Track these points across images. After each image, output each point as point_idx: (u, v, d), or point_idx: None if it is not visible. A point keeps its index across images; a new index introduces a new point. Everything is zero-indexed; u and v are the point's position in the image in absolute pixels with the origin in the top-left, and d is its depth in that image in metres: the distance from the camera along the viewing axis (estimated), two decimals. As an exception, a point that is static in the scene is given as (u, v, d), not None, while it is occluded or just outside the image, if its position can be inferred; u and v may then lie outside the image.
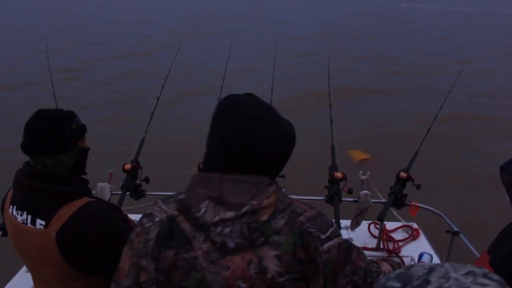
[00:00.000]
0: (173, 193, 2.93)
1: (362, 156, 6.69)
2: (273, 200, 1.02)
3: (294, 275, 1.02)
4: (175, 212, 1.06)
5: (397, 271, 0.81)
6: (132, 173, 2.48)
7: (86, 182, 1.57)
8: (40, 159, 1.45)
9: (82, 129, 1.54)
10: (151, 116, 2.84)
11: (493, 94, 10.69)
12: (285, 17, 23.90)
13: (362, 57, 14.29)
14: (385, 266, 1.32)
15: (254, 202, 0.99)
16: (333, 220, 1.13)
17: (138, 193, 2.53)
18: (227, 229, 0.99)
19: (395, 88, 11.10)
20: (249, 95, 1.10)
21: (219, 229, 0.99)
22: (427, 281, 0.70)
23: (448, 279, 0.69)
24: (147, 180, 2.54)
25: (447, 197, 5.56)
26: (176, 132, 8.04)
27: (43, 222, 1.42)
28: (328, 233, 1.08)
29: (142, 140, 2.71)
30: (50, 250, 1.42)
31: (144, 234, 1.07)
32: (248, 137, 1.02)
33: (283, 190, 2.61)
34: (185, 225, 1.03)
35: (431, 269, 0.73)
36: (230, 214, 0.98)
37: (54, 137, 1.44)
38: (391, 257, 2.64)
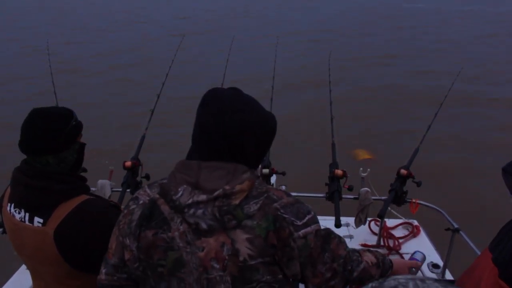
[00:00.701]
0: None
1: (366, 155, 6.70)
2: (246, 186, 1.06)
3: (266, 259, 1.06)
4: (157, 196, 1.13)
5: (370, 285, 0.78)
6: (133, 170, 2.48)
7: (84, 179, 1.57)
8: (42, 158, 1.45)
9: (80, 125, 1.56)
10: (152, 113, 2.84)
11: (494, 90, 10.68)
12: (285, 16, 23.86)
13: (362, 56, 14.27)
14: (367, 256, 1.34)
15: (227, 187, 1.04)
16: (310, 207, 1.15)
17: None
18: (200, 211, 1.04)
19: (395, 85, 11.08)
20: (233, 88, 1.17)
21: (192, 210, 1.04)
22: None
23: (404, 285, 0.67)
24: (147, 177, 2.53)
25: (448, 194, 5.55)
26: (176, 129, 8.04)
27: (41, 220, 1.42)
28: (305, 220, 1.11)
29: (143, 137, 2.71)
30: (48, 248, 1.42)
31: (129, 215, 1.15)
32: (227, 127, 1.08)
33: (283, 187, 2.61)
34: (165, 208, 1.10)
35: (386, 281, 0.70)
36: (203, 197, 1.04)
37: (57, 135, 1.44)
38: (391, 254, 2.64)
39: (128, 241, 1.13)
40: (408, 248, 2.69)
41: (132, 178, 2.48)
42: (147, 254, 1.10)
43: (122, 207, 2.28)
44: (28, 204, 1.44)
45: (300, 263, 1.11)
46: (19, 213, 1.45)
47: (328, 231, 1.18)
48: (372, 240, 2.74)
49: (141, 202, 1.15)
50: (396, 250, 2.66)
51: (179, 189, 1.06)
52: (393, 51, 14.95)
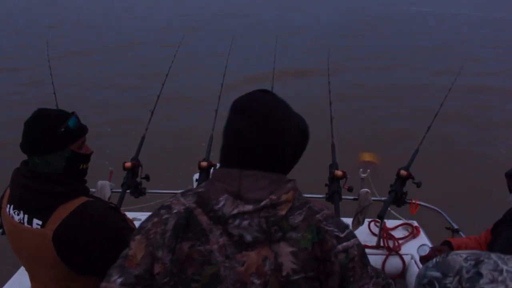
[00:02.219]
0: (173, 191, 2.92)
1: (371, 158, 6.68)
2: (291, 195, 1.03)
3: (309, 274, 1.01)
4: (193, 205, 1.06)
5: (435, 260, 0.81)
6: (133, 171, 2.48)
7: (84, 181, 1.56)
8: (31, 158, 1.45)
9: (75, 133, 1.50)
10: (152, 114, 2.84)
11: (494, 91, 10.69)
12: (285, 16, 23.87)
13: (362, 56, 14.27)
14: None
15: (273, 197, 1.00)
16: (347, 222, 1.12)
17: (138, 191, 2.53)
18: (245, 222, 0.99)
19: (395, 86, 11.09)
20: (266, 92, 1.13)
21: (237, 221, 0.99)
22: (479, 274, 0.70)
23: (500, 271, 0.68)
24: (147, 178, 2.54)
25: (448, 195, 5.56)
26: (176, 130, 8.04)
27: (40, 222, 1.41)
28: (345, 233, 1.07)
29: (143, 138, 2.71)
30: (47, 250, 1.41)
31: (161, 224, 1.06)
32: (267, 137, 1.04)
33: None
34: (203, 218, 1.03)
35: (478, 260, 0.72)
36: (249, 207, 0.99)
37: (43, 137, 1.43)
38: (391, 255, 2.65)
39: (161, 253, 1.04)
40: (408, 249, 2.69)
41: (132, 179, 2.48)
42: (181, 268, 1.02)
43: (122, 208, 2.29)
44: (27, 206, 1.44)
45: (342, 278, 1.05)
46: (18, 214, 1.45)
47: (362, 246, 1.12)
48: (372, 241, 2.74)
49: (175, 211, 1.07)
50: (395, 251, 2.65)
51: (221, 199, 1.02)
52: (393, 51, 14.96)
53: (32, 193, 1.42)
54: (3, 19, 22.03)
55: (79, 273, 1.46)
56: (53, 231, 1.39)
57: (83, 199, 1.46)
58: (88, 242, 1.41)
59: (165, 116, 7.52)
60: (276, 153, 1.06)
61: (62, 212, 1.41)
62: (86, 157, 1.55)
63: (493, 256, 0.73)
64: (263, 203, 0.99)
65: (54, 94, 2.84)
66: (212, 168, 2.44)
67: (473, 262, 0.72)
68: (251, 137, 1.04)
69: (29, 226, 1.42)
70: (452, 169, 6.68)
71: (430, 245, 2.67)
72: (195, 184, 2.59)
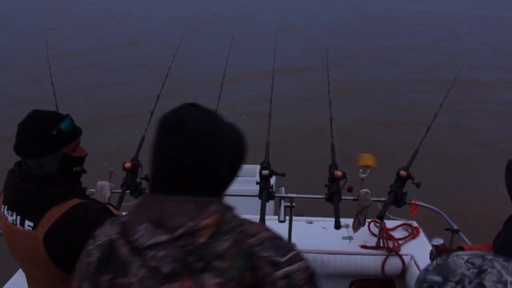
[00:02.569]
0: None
1: (369, 162, 6.68)
2: (213, 220, 0.93)
3: None
4: (116, 235, 1.00)
5: (435, 262, 0.78)
6: (132, 172, 2.48)
7: (79, 182, 1.55)
8: (24, 160, 1.46)
9: (68, 136, 1.48)
10: (151, 115, 2.84)
11: (495, 89, 10.70)
12: (284, 16, 23.87)
13: (361, 54, 14.27)
14: None
15: (191, 223, 0.92)
16: (295, 245, 1.03)
17: (138, 192, 2.53)
18: (161, 253, 0.92)
19: (395, 86, 11.09)
20: (194, 105, 1.03)
21: (153, 252, 0.93)
22: (482, 286, 0.67)
23: (505, 284, 0.66)
24: (147, 178, 2.53)
25: (447, 195, 5.56)
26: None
27: (31, 224, 1.41)
28: (287, 257, 0.96)
29: (142, 139, 2.71)
30: (38, 252, 1.40)
31: (88, 256, 1.04)
32: (198, 157, 0.96)
33: (283, 188, 2.54)
34: (124, 249, 0.97)
35: (480, 268, 0.69)
36: (164, 237, 0.92)
37: (36, 140, 1.43)
38: (391, 255, 2.65)
39: (85, 285, 1.01)
40: (407, 249, 2.69)
41: (132, 179, 2.48)
42: None
43: (122, 208, 2.29)
44: (20, 208, 1.44)
45: None
46: (11, 215, 1.45)
47: (313, 270, 1.02)
48: (372, 241, 2.74)
49: (99, 242, 1.03)
50: (395, 251, 2.65)
51: (140, 228, 0.95)
52: (394, 50, 14.96)
53: (24, 195, 1.43)
54: (3, 19, 22.03)
55: (71, 275, 1.46)
56: (43, 233, 1.39)
57: (76, 200, 1.45)
58: (79, 244, 1.39)
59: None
60: (208, 174, 0.98)
61: (54, 213, 1.40)
62: (80, 160, 1.54)
63: (497, 264, 0.70)
64: (178, 231, 0.91)
65: (54, 94, 2.84)
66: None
67: (475, 271, 0.70)
68: (179, 158, 0.96)
69: (22, 227, 1.43)
70: (452, 169, 6.69)
71: (430, 246, 2.68)
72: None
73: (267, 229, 1.01)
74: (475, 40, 17.18)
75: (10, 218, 1.46)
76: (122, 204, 2.44)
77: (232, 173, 1.04)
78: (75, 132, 1.52)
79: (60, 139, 1.46)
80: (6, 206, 1.48)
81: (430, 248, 2.63)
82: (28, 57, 13.52)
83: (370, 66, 12.96)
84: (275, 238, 0.99)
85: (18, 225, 1.43)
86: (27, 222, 1.42)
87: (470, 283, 0.69)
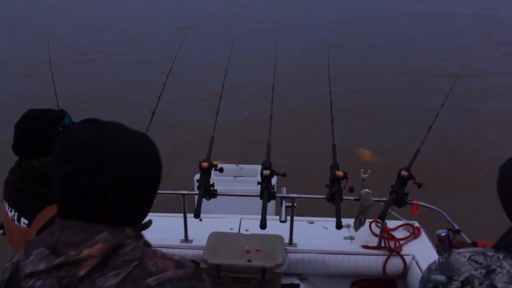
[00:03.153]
0: (173, 191, 2.90)
1: (368, 157, 6.75)
2: (98, 250, 0.81)
3: None
4: (22, 257, 0.91)
5: (437, 260, 0.76)
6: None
7: None
8: (28, 161, 1.47)
9: None
10: (152, 115, 2.84)
11: (495, 91, 10.68)
12: (285, 16, 23.88)
13: (362, 57, 14.27)
14: None
15: (72, 252, 0.81)
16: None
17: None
18: (38, 283, 0.82)
19: (395, 86, 11.08)
20: (94, 121, 0.92)
21: (31, 282, 0.83)
22: (493, 287, 0.66)
23: None
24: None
25: (449, 196, 5.55)
26: (177, 130, 8.04)
27: (26, 221, 1.45)
28: None
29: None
30: None
31: (2, 273, 0.96)
32: (104, 182, 0.85)
33: (284, 188, 2.50)
34: (21, 274, 0.88)
35: (489, 269, 0.68)
36: (43, 265, 0.82)
37: (39, 139, 1.44)
38: (393, 255, 2.64)
39: None
40: (409, 249, 2.68)
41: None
42: None
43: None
44: (17, 205, 1.49)
45: None
46: (11, 211, 1.51)
47: None
48: (373, 241, 2.74)
49: (12, 261, 0.94)
50: (397, 251, 2.65)
51: (33, 253, 0.86)
52: (394, 51, 14.95)
53: (22, 193, 1.47)
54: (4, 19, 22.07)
55: None
56: (36, 232, 1.42)
57: None
58: None
59: (165, 116, 7.53)
60: (118, 198, 0.86)
61: (48, 213, 1.42)
62: None
63: (505, 263, 0.69)
64: (57, 261, 0.81)
65: (55, 94, 2.84)
66: (213, 168, 2.44)
67: (483, 271, 0.68)
68: (81, 188, 0.86)
69: (18, 224, 1.48)
70: (453, 170, 6.68)
71: (432, 246, 2.68)
72: (196, 184, 2.59)
73: (180, 267, 0.86)
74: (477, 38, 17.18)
75: (9, 214, 1.51)
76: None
77: (149, 190, 0.93)
78: None
79: None
80: (7, 203, 1.53)
81: (432, 248, 2.64)
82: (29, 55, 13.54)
83: (371, 68, 12.95)
84: (185, 278, 0.85)
85: (16, 222, 1.48)
86: (22, 220, 1.46)
87: (480, 284, 0.68)
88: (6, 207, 1.52)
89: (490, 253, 0.71)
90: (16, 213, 1.48)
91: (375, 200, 2.57)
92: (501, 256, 0.70)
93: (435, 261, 0.76)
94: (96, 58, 14.24)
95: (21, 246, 1.43)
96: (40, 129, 1.44)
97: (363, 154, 6.83)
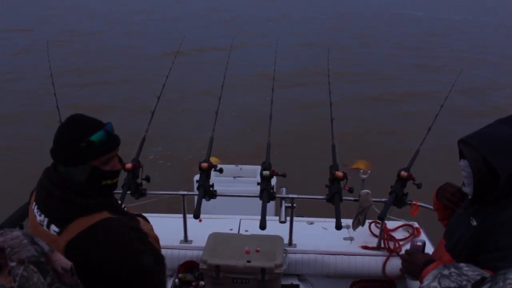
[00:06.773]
0: (173, 192, 2.89)
1: (362, 166, 6.72)
2: None
3: None
4: None
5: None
6: (133, 172, 2.48)
7: (109, 196, 1.53)
8: (59, 166, 1.45)
9: (98, 149, 1.43)
10: (152, 115, 2.84)
11: (495, 90, 10.69)
12: (284, 18, 23.89)
13: (362, 56, 14.28)
14: None
15: None
16: None
17: (139, 192, 2.53)
18: None
19: (395, 87, 11.09)
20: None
21: None
22: None
23: None
24: (147, 179, 2.53)
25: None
26: (176, 131, 8.04)
27: (57, 229, 1.40)
28: None
29: (143, 139, 2.71)
30: None
31: None
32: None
33: (284, 189, 2.48)
34: None
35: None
36: None
37: (65, 149, 1.42)
38: (392, 256, 2.64)
39: None
40: (408, 250, 2.68)
41: (133, 180, 2.48)
42: None
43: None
44: (48, 211, 1.44)
45: None
46: (40, 215, 1.45)
47: None
48: (373, 242, 2.74)
49: None
50: (396, 252, 2.65)
51: None
52: (395, 51, 14.97)
53: (53, 199, 1.42)
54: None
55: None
56: (67, 242, 1.38)
57: (105, 214, 1.43)
58: (99, 260, 1.37)
59: (165, 117, 7.53)
60: None
61: (81, 224, 1.39)
62: (111, 174, 1.49)
63: (468, 274, 0.67)
64: None
65: (55, 95, 2.83)
66: (212, 169, 2.44)
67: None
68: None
69: (47, 230, 1.42)
70: (452, 169, 6.67)
71: (432, 247, 2.67)
72: (195, 185, 2.59)
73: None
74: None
75: (38, 218, 1.46)
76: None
77: None
78: (108, 146, 1.47)
79: (89, 152, 1.42)
80: (36, 206, 1.48)
81: (432, 248, 2.64)
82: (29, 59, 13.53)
83: (371, 67, 12.96)
84: None
85: (45, 227, 1.43)
86: (52, 227, 1.41)
87: None
88: (35, 210, 1.47)
89: (448, 271, 0.70)
90: (46, 219, 1.43)
91: (374, 201, 2.57)
92: (460, 271, 0.69)
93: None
94: (95, 57, 14.23)
95: None
96: (68, 137, 1.41)
97: (360, 164, 6.80)
